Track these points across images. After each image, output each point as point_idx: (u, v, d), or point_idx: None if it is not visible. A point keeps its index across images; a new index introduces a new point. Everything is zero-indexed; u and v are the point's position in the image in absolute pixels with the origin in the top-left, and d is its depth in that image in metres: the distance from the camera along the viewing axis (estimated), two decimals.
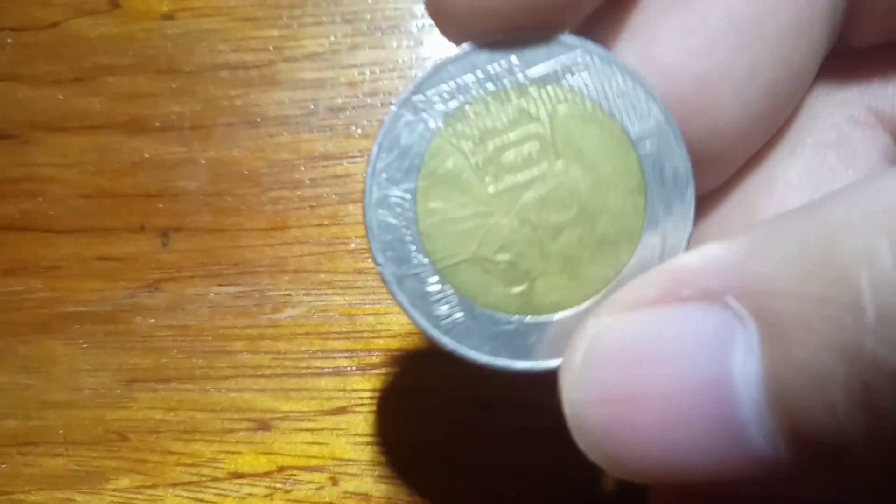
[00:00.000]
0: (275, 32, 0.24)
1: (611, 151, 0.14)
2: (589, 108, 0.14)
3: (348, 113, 0.23)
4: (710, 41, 0.14)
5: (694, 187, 0.14)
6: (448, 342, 0.14)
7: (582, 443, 0.12)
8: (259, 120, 0.23)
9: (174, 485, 0.20)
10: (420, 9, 0.23)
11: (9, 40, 0.24)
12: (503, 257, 0.14)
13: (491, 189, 0.14)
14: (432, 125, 0.14)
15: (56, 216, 0.23)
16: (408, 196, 0.14)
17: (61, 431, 0.21)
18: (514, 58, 0.14)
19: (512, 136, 0.14)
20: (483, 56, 0.14)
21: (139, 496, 0.20)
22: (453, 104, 0.14)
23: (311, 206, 0.22)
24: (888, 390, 0.09)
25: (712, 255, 0.12)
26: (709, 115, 0.15)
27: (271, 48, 0.23)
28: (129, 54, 0.24)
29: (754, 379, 0.11)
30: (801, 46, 0.15)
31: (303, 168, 0.23)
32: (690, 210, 0.14)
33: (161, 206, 0.22)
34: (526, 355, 0.14)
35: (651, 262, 0.14)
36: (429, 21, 0.20)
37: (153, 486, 0.20)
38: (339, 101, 0.23)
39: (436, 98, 0.14)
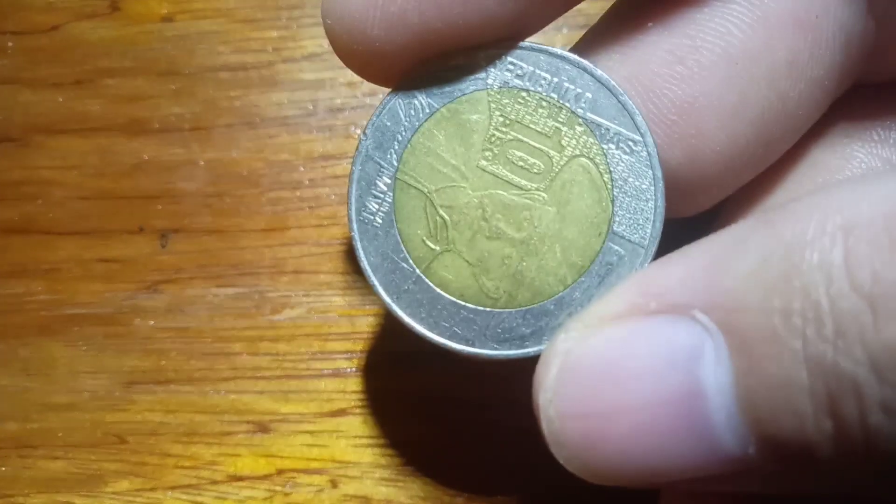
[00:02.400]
0: (274, 34, 0.24)
1: (585, 225, 0.15)
2: (600, 180, 0.15)
3: (347, 113, 0.23)
4: (699, 70, 0.15)
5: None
6: (356, 226, 0.15)
7: (559, 456, 0.12)
8: (258, 121, 0.23)
9: (173, 488, 0.20)
10: None
11: (10, 44, 0.24)
12: (444, 214, 0.15)
13: (483, 163, 0.15)
14: (490, 81, 0.15)
15: (56, 218, 0.22)
16: (427, 109, 0.15)
17: (61, 434, 0.21)
18: (589, 95, 0.15)
19: (533, 142, 0.15)
20: (570, 72, 0.15)
21: (138, 499, 0.20)
22: (517, 82, 0.15)
23: (311, 207, 0.22)
24: (851, 398, 0.10)
25: (678, 267, 0.12)
26: (690, 142, 0.15)
27: (270, 49, 0.23)
28: (129, 57, 0.24)
29: (725, 389, 0.11)
30: (798, 83, 0.15)
31: (302, 168, 0.22)
32: None
33: (160, 207, 0.22)
34: (392, 292, 0.15)
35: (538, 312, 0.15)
36: None
37: (152, 489, 0.20)
38: (338, 101, 0.23)
39: (510, 66, 0.15)
